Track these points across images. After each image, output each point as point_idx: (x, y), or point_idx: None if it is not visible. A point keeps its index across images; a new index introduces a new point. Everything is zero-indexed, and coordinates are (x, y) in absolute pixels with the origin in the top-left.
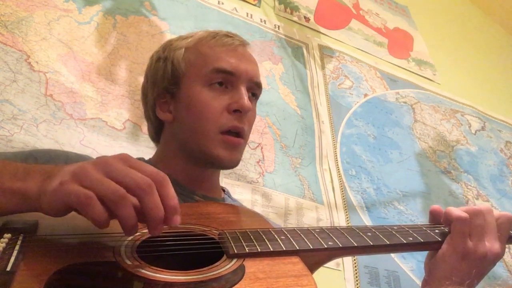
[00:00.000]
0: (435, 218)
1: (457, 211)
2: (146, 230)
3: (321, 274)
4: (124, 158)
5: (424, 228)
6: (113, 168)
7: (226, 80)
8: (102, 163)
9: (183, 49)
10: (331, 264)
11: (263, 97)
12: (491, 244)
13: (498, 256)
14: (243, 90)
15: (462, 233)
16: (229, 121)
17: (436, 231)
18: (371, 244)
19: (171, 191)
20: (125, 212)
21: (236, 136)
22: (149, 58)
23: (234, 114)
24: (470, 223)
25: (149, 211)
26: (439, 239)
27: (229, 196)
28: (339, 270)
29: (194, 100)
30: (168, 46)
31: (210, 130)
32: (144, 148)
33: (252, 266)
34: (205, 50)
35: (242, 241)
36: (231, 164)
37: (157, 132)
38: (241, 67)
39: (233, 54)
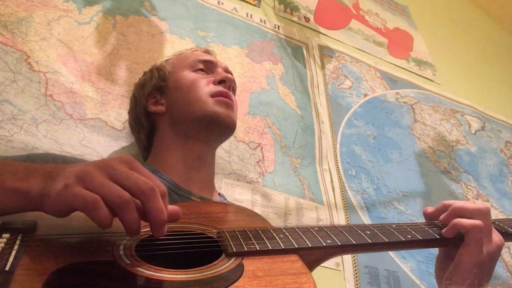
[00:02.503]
0: (431, 218)
1: (469, 221)
2: (145, 230)
3: (320, 274)
4: (127, 161)
5: (423, 226)
6: (116, 171)
7: (207, 67)
8: (105, 165)
9: (164, 61)
10: (330, 264)
11: (263, 97)
12: (494, 238)
13: (501, 247)
14: (222, 71)
15: (479, 242)
16: (217, 87)
17: (434, 228)
18: (370, 242)
19: (166, 205)
20: (130, 216)
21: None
22: (133, 85)
23: (219, 85)
24: (484, 228)
25: (152, 215)
26: (438, 237)
27: (225, 199)
28: (339, 270)
29: (183, 80)
30: (150, 67)
31: (202, 95)
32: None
33: (251, 265)
34: (183, 55)
35: (241, 240)
36: (229, 119)
37: (149, 138)
38: (216, 59)
39: (208, 53)
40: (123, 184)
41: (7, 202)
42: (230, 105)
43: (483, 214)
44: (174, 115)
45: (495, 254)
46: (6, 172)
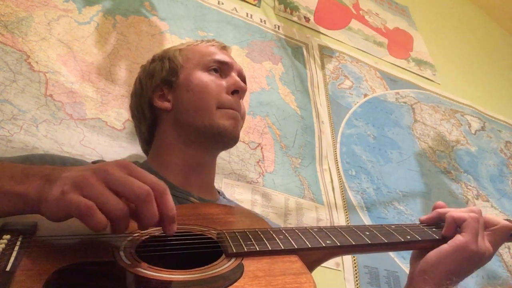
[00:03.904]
0: (437, 217)
1: (467, 213)
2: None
3: (321, 274)
4: (124, 166)
5: (422, 227)
6: (112, 177)
7: (221, 68)
8: (102, 171)
9: (178, 50)
10: (331, 264)
11: (263, 97)
12: (486, 243)
13: (491, 256)
14: (236, 77)
15: (476, 232)
16: (229, 101)
17: (434, 229)
18: (369, 242)
19: (169, 200)
20: (123, 226)
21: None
22: (140, 67)
23: (232, 96)
24: (480, 220)
25: (144, 219)
26: (437, 237)
27: (224, 197)
28: (339, 270)
29: (195, 82)
30: (161, 53)
31: (211, 106)
32: None
33: (251, 265)
34: (199, 48)
35: (240, 240)
36: (233, 134)
37: (150, 131)
38: (232, 60)
39: (224, 51)
40: (119, 190)
41: (5, 205)
42: (237, 118)
43: (476, 212)
44: (179, 117)
45: (485, 257)
46: (3, 175)
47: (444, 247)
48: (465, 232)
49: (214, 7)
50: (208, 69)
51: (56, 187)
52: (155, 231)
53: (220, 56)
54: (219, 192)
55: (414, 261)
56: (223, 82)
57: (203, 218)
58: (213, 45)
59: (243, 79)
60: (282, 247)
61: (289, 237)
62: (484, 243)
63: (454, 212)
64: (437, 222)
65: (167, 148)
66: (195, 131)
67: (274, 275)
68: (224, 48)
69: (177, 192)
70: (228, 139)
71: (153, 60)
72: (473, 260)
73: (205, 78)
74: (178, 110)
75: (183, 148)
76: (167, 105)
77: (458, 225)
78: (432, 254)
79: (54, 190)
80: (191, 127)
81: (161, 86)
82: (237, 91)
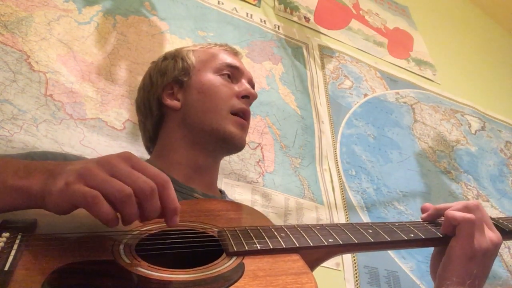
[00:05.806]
0: (436, 214)
1: (461, 214)
2: (144, 229)
3: (320, 274)
4: (127, 158)
5: (425, 225)
6: (117, 168)
7: (233, 74)
8: (106, 162)
9: (191, 51)
10: (331, 264)
11: (263, 97)
12: (489, 235)
13: (499, 244)
14: (247, 84)
15: (470, 235)
16: (239, 104)
17: (437, 227)
18: (372, 241)
19: (172, 193)
20: (130, 210)
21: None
22: (152, 63)
23: (242, 100)
24: (475, 221)
25: (148, 214)
26: (440, 236)
27: (226, 196)
28: (339, 270)
29: (207, 84)
30: (173, 51)
31: (223, 110)
32: (144, 148)
33: (251, 264)
34: (212, 51)
35: (241, 238)
36: (240, 141)
37: (155, 129)
38: (243, 67)
39: (236, 57)
40: (123, 182)
41: (8, 200)
42: (245, 127)
43: (472, 209)
44: (188, 117)
45: (490, 251)
46: (7, 170)
47: (444, 259)
48: (458, 237)
49: (214, 7)
50: (220, 72)
51: (60, 180)
52: (155, 228)
53: (232, 61)
54: (221, 192)
55: (433, 265)
56: (235, 87)
57: (204, 215)
58: (226, 50)
59: (253, 87)
60: (284, 246)
61: (290, 235)
62: (485, 237)
63: (450, 212)
64: (437, 218)
65: (172, 147)
66: (201, 133)
67: (275, 275)
68: (236, 54)
69: (181, 188)
70: (234, 146)
71: (165, 58)
72: (477, 259)
73: (217, 81)
74: (187, 110)
75: (187, 148)
76: (176, 104)
77: (454, 226)
78: (439, 269)
79: (58, 183)
80: (197, 128)
81: (172, 85)
82: (247, 97)
